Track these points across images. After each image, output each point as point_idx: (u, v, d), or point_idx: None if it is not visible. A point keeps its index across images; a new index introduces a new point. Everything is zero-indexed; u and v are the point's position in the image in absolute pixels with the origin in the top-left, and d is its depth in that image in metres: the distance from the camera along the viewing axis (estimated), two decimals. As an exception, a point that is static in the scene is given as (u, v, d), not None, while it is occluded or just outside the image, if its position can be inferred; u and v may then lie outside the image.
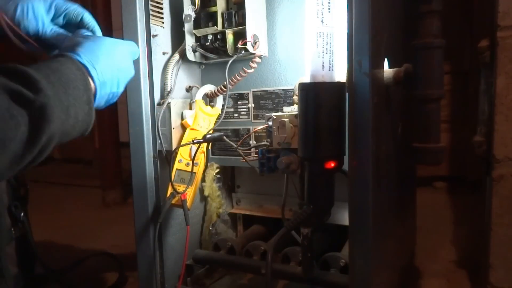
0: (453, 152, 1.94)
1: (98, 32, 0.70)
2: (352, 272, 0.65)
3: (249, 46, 0.82)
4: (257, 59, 0.84)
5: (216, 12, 0.84)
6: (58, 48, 0.69)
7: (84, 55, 0.58)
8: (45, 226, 1.72)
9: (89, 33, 0.69)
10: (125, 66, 0.65)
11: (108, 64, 0.61)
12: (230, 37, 0.84)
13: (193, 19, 0.85)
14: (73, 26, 0.70)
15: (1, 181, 0.49)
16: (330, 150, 0.65)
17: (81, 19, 0.70)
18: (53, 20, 0.69)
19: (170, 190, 0.85)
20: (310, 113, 0.65)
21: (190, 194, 0.85)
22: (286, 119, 0.73)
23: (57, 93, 0.49)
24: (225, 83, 0.86)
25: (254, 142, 0.89)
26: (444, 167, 2.00)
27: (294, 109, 0.76)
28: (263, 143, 0.81)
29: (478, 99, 0.94)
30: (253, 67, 0.85)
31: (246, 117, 0.92)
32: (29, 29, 0.67)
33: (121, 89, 0.66)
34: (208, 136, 0.83)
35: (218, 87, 0.89)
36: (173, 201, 0.85)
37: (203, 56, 0.89)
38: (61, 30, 0.69)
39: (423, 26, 0.75)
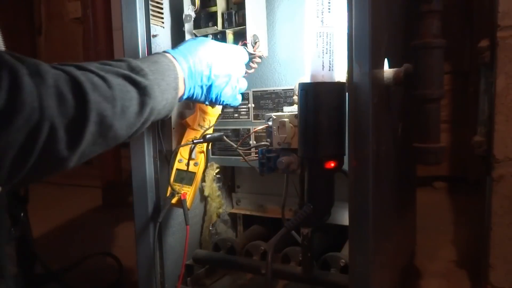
0: (453, 152, 1.94)
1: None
2: (352, 272, 0.65)
3: (249, 46, 0.81)
4: (257, 59, 0.84)
5: (216, 12, 0.83)
6: None
7: (179, 51, 0.71)
8: (45, 227, 1.72)
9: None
10: (221, 62, 0.75)
11: (202, 59, 0.72)
12: (230, 37, 0.84)
13: (193, 19, 0.85)
14: None
15: (119, 142, 0.60)
16: (330, 150, 0.65)
17: None
18: None
19: (170, 190, 0.85)
20: (310, 113, 0.65)
21: (190, 194, 0.85)
22: (286, 119, 0.73)
23: (156, 78, 0.63)
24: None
25: (254, 142, 0.89)
26: (444, 167, 2.00)
27: (294, 109, 0.76)
28: (263, 143, 0.81)
29: (478, 99, 0.94)
30: (254, 67, 0.85)
31: (246, 117, 0.92)
32: None
33: (220, 82, 0.76)
34: (208, 136, 0.83)
35: (218, 87, 0.89)
36: (173, 201, 0.85)
37: (203, 56, 0.89)
38: None
39: (423, 26, 0.75)
